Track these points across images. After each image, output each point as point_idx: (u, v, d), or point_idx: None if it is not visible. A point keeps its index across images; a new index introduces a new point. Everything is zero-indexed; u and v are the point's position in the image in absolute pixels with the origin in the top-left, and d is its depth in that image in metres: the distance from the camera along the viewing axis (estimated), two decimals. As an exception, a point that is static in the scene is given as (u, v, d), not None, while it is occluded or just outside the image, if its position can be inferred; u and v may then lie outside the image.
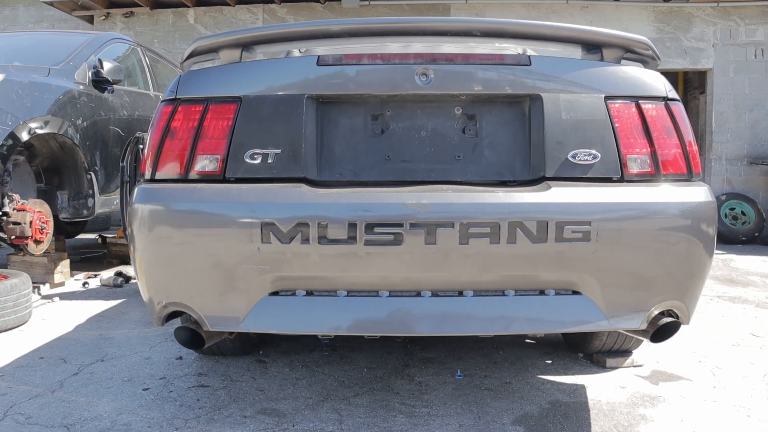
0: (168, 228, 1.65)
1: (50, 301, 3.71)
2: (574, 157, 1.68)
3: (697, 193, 1.68)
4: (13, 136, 3.35)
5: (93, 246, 6.00)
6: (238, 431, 1.91)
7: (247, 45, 1.77)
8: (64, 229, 4.96)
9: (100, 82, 4.21)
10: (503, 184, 1.71)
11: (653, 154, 1.72)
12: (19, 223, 3.45)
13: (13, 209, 3.49)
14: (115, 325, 3.14)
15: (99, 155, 4.14)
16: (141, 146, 3.71)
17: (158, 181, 1.75)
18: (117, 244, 5.20)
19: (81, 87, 4.04)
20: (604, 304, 1.63)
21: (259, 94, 1.72)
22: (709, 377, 2.38)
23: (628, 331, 1.78)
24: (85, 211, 4.10)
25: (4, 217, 3.45)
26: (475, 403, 2.12)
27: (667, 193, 1.66)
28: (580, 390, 2.24)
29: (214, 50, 1.80)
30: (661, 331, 1.69)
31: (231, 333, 2.01)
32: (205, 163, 1.72)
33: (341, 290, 1.63)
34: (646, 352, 2.65)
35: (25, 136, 3.45)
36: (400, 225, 1.53)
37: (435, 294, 1.62)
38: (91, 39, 4.49)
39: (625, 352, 2.54)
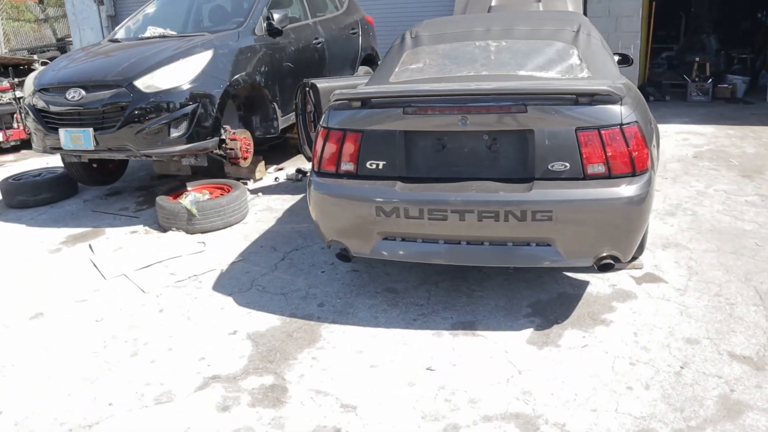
0: (330, 202, 3.13)
1: (257, 196, 5.55)
2: (552, 166, 2.83)
3: (630, 188, 2.76)
4: (224, 94, 4.96)
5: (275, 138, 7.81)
6: (372, 301, 3.50)
7: (364, 101, 3.05)
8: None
9: (272, 30, 5.61)
10: (511, 180, 2.92)
11: (606, 162, 2.80)
12: (233, 149, 5.19)
13: (229, 138, 5.20)
14: (301, 219, 4.85)
15: (278, 89, 5.67)
16: (307, 88, 5.17)
17: (322, 174, 3.20)
18: (294, 138, 6.90)
19: (260, 41, 5.49)
20: (564, 252, 2.86)
21: (372, 129, 3.03)
22: (682, 281, 3.50)
23: (581, 266, 3.00)
24: (272, 130, 5.76)
25: (223, 144, 5.19)
26: (512, 290, 3.49)
27: (609, 188, 2.77)
28: (584, 286, 3.51)
29: (347, 100, 3.10)
30: (603, 267, 2.91)
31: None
32: (347, 167, 3.12)
33: (419, 238, 3.04)
34: (653, 257, 3.77)
35: (231, 91, 5.06)
36: (446, 211, 2.86)
37: (468, 243, 2.96)
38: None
39: (631, 258, 3.69)
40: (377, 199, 2.98)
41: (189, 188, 5.12)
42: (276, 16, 5.54)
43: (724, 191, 4.92)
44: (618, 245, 2.87)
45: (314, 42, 6.32)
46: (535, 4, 6.03)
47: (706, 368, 2.71)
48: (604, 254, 2.89)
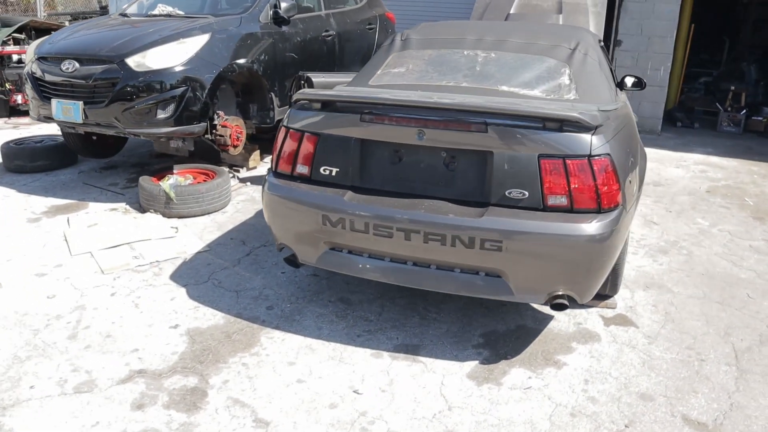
0: (280, 205, 2.99)
1: (245, 185, 5.45)
2: (509, 193, 2.63)
3: (592, 226, 2.54)
4: (217, 79, 4.86)
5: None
6: (323, 310, 3.35)
7: (324, 103, 2.89)
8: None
9: (278, 19, 5.49)
10: (467, 203, 2.72)
11: (570, 194, 2.58)
12: (222, 135, 5.09)
13: (220, 125, 5.11)
14: (280, 215, 4.73)
15: (278, 79, 5.54)
16: (302, 81, 5.04)
17: (278, 175, 3.06)
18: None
19: (264, 28, 5.37)
20: (514, 286, 2.66)
21: (328, 133, 2.88)
22: (655, 327, 3.25)
23: (533, 303, 2.78)
24: (267, 120, 5.64)
25: (214, 130, 5.10)
26: (469, 316, 3.30)
27: (568, 223, 2.56)
28: (546, 320, 3.29)
29: (309, 101, 2.95)
30: (556, 306, 2.69)
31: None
32: (301, 170, 2.98)
33: (365, 253, 2.87)
34: (631, 298, 3.53)
35: (226, 77, 4.95)
36: (391, 228, 2.69)
37: (414, 264, 2.79)
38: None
39: (605, 296, 3.46)
40: (324, 208, 2.83)
41: (175, 171, 5.06)
42: (283, 5, 5.41)
43: (729, 232, 4.61)
44: (574, 285, 2.66)
45: (324, 34, 6.18)
46: (554, 16, 5.77)
47: (653, 430, 2.49)
48: (560, 293, 2.68)
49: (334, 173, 2.89)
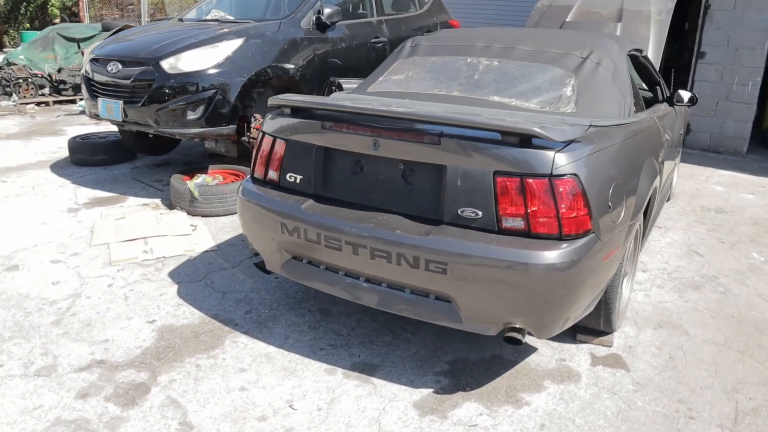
0: (249, 209, 2.96)
1: (278, 188, 5.51)
2: (462, 212, 2.43)
3: (551, 254, 2.28)
4: (249, 82, 4.96)
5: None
6: (298, 319, 3.29)
7: (293, 109, 2.83)
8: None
9: (320, 24, 5.52)
10: (423, 219, 2.55)
11: (526, 217, 2.34)
12: (254, 138, 5.18)
13: (254, 127, 5.20)
14: (298, 220, 4.73)
15: (318, 84, 5.57)
16: (333, 87, 5.03)
17: (254, 180, 3.04)
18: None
19: (306, 34, 5.41)
20: (464, 314, 2.45)
21: (295, 139, 2.81)
22: (649, 373, 2.88)
23: (483, 333, 2.52)
24: (306, 125, 5.67)
25: (248, 133, 5.20)
26: (443, 341, 3.10)
27: (522, 249, 2.31)
28: (527, 353, 3.02)
29: (280, 107, 2.90)
30: (510, 340, 2.45)
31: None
32: (271, 176, 2.94)
33: (323, 265, 2.77)
34: (635, 337, 3.17)
35: (260, 81, 5.05)
36: (340, 240, 2.57)
37: (367, 280, 2.65)
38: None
39: (600, 333, 3.12)
40: (282, 215, 2.77)
41: (209, 171, 5.21)
42: (326, 11, 5.43)
43: (785, 272, 4.04)
44: (530, 318, 2.41)
45: (373, 41, 6.14)
46: (612, 24, 5.37)
47: (600, 489, 2.19)
48: (515, 326, 2.43)
49: (298, 180, 2.83)
